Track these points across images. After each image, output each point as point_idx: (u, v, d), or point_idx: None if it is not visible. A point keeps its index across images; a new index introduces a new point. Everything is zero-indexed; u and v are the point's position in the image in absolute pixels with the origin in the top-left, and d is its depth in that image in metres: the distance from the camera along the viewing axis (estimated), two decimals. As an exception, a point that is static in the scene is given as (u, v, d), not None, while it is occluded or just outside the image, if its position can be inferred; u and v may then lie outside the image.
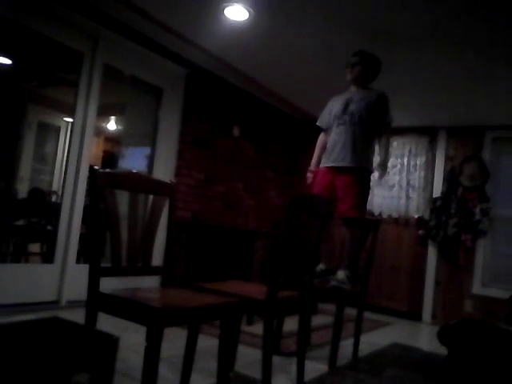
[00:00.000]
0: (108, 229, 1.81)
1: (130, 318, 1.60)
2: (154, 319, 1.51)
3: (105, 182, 1.80)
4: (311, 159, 3.33)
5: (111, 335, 1.47)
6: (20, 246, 4.78)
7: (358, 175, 3.00)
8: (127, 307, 1.63)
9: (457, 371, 1.57)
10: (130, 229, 1.90)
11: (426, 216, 5.25)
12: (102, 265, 1.79)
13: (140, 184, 1.97)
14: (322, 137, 3.30)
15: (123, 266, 1.86)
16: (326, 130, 3.24)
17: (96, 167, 1.79)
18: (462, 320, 1.61)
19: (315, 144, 3.33)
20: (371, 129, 3.04)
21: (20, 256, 4.79)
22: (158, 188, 2.05)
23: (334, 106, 3.15)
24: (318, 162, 3.23)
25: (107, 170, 1.84)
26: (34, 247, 4.81)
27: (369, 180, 3.09)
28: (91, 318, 1.71)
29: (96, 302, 1.72)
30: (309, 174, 3.26)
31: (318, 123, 3.29)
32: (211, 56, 4.10)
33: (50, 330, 1.53)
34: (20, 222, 4.82)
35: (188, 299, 1.81)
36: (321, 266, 3.05)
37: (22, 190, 5.34)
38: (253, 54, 3.95)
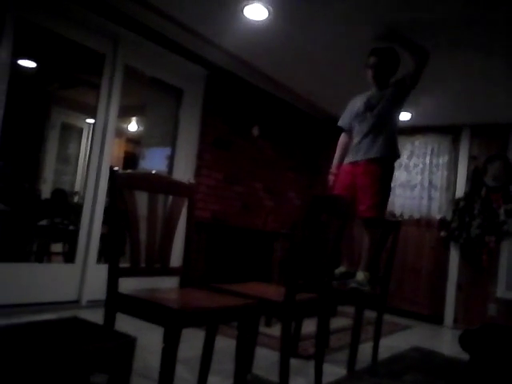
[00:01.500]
0: (127, 229, 1.82)
1: (147, 318, 1.61)
2: (171, 320, 1.51)
3: (124, 182, 1.81)
4: (331, 159, 3.29)
5: (129, 336, 1.47)
6: (43, 245, 4.87)
7: (382, 167, 2.96)
8: (145, 308, 1.64)
9: (479, 377, 1.53)
10: (148, 229, 1.91)
11: (449, 217, 5.15)
12: (122, 265, 1.81)
13: (159, 184, 1.98)
14: (342, 137, 3.25)
15: (141, 267, 1.87)
16: (348, 131, 3.21)
17: (116, 168, 1.80)
18: (484, 325, 1.57)
19: (335, 143, 3.30)
20: (392, 117, 3.01)
21: (43, 255, 4.89)
22: (176, 188, 2.06)
23: (355, 105, 3.12)
24: (340, 163, 3.19)
25: (126, 171, 1.85)
26: (57, 247, 4.90)
27: (391, 171, 3.03)
28: (110, 319, 1.72)
29: (114, 302, 1.73)
30: (330, 177, 3.21)
31: (339, 124, 3.25)
32: (231, 56, 4.10)
33: (69, 330, 1.54)
34: (43, 222, 4.92)
35: (206, 300, 1.81)
36: (341, 269, 3.02)
37: (46, 190, 5.44)
38: (272, 53, 3.94)
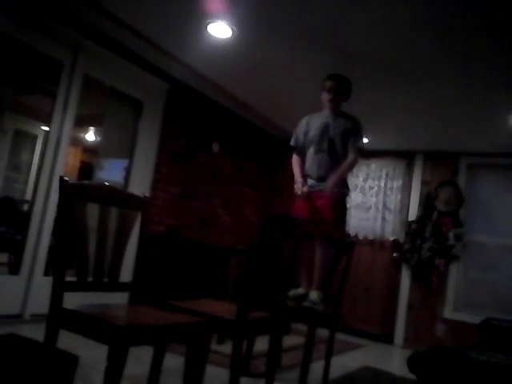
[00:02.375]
0: (75, 241, 1.76)
1: (91, 335, 1.54)
2: (115, 338, 1.46)
3: (74, 193, 1.75)
4: (289, 177, 3.32)
5: (70, 354, 1.41)
6: (-13, 255, 4.62)
7: (338, 198, 3.03)
8: (89, 324, 1.57)
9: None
10: (98, 242, 1.85)
11: (401, 239, 5.29)
12: (69, 279, 1.74)
13: (111, 197, 1.92)
14: (295, 157, 3.25)
15: (89, 281, 1.80)
16: (300, 151, 3.23)
17: (66, 178, 1.74)
18: (431, 348, 1.60)
19: (290, 163, 3.32)
20: (346, 154, 3.08)
21: (-14, 266, 4.63)
22: (129, 202, 2.01)
23: (311, 128, 3.15)
24: (301, 174, 3.17)
25: (77, 182, 1.79)
26: (3, 257, 4.66)
27: (345, 202, 3.12)
28: (51, 335, 1.64)
29: (57, 317, 1.65)
30: (297, 185, 3.12)
31: (291, 143, 3.27)
32: (193, 71, 4.10)
33: (4, 348, 1.45)
34: (-12, 231, 4.68)
35: (154, 318, 1.76)
36: (300, 291, 3.01)
37: (-6, 198, 5.19)
38: (235, 71, 3.97)
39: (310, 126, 3.17)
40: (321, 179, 3.04)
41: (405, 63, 3.35)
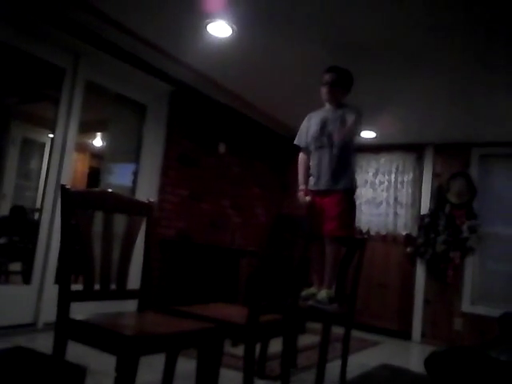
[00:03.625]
0: (80, 250, 1.73)
1: (99, 346, 1.51)
2: (124, 348, 1.42)
3: (77, 201, 1.72)
4: (297, 176, 3.26)
5: (78, 365, 1.37)
6: (0, 265, 4.64)
7: (344, 196, 2.96)
8: (97, 335, 1.54)
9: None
10: (103, 250, 1.82)
11: (414, 233, 5.21)
12: (76, 287, 1.71)
13: (115, 204, 1.89)
14: (302, 156, 3.20)
15: (96, 290, 1.77)
16: (305, 149, 3.18)
17: (67, 186, 1.71)
18: (449, 348, 1.54)
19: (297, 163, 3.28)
20: (349, 147, 3.00)
21: (0, 276, 4.66)
22: (134, 208, 1.98)
23: (311, 125, 3.09)
24: (306, 180, 3.14)
25: (79, 189, 1.76)
26: (16, 266, 4.68)
27: (354, 199, 3.05)
28: (60, 346, 1.61)
29: (65, 329, 1.62)
30: (300, 193, 3.14)
31: (295, 142, 3.20)
32: (195, 73, 4.06)
33: (11, 362, 1.43)
34: (1, 241, 4.70)
35: (163, 325, 1.73)
36: (312, 290, 2.96)
37: (5, 207, 5.22)
38: (237, 70, 3.93)
39: (310, 122, 3.11)
40: (321, 178, 2.98)
41: (411, 52, 3.27)
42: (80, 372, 1.35)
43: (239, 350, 3.13)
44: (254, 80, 4.12)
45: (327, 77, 3.01)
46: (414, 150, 5.37)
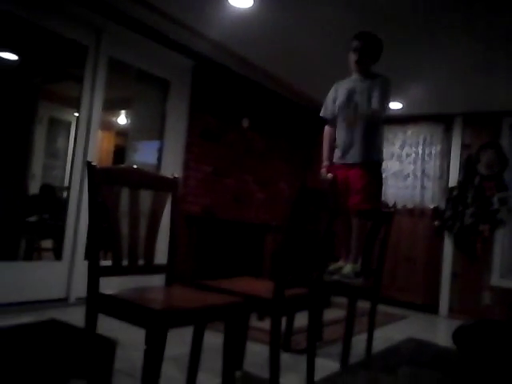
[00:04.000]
0: (107, 226, 1.75)
1: (129, 320, 1.54)
2: (153, 322, 1.45)
3: (103, 178, 1.73)
4: (321, 150, 3.21)
5: (109, 339, 1.41)
6: (32, 242, 4.78)
7: (370, 169, 2.90)
8: (126, 309, 1.57)
9: (471, 374, 1.48)
10: (131, 226, 1.84)
11: (442, 206, 5.12)
12: (105, 263, 1.75)
13: (140, 180, 1.90)
14: (327, 129, 3.12)
15: (124, 265, 1.80)
16: (331, 121, 3.10)
17: (93, 163, 1.72)
18: (477, 321, 1.52)
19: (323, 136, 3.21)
20: (377, 119, 2.92)
21: (32, 252, 4.80)
22: (159, 183, 1.99)
23: (339, 94, 3.00)
24: (330, 156, 3.08)
25: (104, 166, 1.78)
26: (48, 243, 4.82)
27: (380, 172, 2.99)
28: (91, 320, 1.65)
29: (96, 303, 1.66)
30: (323, 170, 3.10)
31: (321, 114, 3.11)
32: (217, 46, 4.01)
33: (46, 334, 1.47)
34: (32, 219, 4.83)
35: (191, 300, 1.75)
36: (339, 264, 2.95)
37: (34, 186, 5.34)
38: (259, 41, 3.85)
39: (338, 93, 3.02)
40: (348, 150, 2.91)
41: (439, 20, 3.14)
42: (111, 344, 1.39)
43: (265, 324, 3.16)
44: (278, 51, 4.04)
45: (356, 43, 2.88)
46: (442, 120, 5.22)
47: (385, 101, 2.87)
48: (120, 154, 6.26)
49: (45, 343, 1.42)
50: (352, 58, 2.91)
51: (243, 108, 4.83)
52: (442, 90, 4.54)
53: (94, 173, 1.71)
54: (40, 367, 1.19)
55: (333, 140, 3.08)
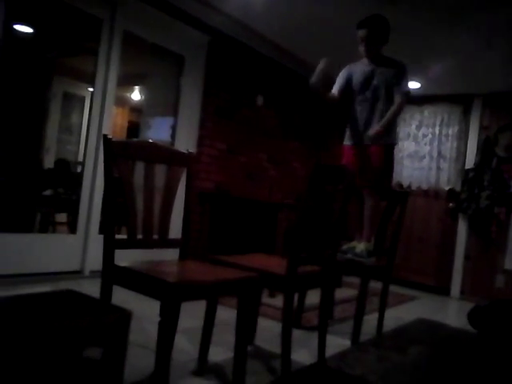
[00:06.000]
0: (122, 200, 1.76)
1: (144, 292, 1.56)
2: (167, 294, 1.46)
3: (118, 151, 1.73)
4: (337, 129, 3.20)
5: (124, 309, 1.42)
6: (47, 215, 4.85)
7: (384, 150, 2.91)
8: (141, 281, 1.59)
9: (487, 354, 1.48)
10: (145, 200, 1.84)
11: (458, 188, 5.06)
12: (120, 236, 1.76)
13: (155, 154, 1.90)
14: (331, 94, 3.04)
15: (139, 239, 1.81)
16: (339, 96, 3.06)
17: (109, 136, 1.72)
18: (493, 301, 1.50)
19: (343, 115, 3.19)
20: (392, 102, 2.90)
21: (47, 226, 4.87)
22: (174, 158, 1.98)
23: (353, 76, 2.99)
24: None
25: (121, 140, 1.77)
26: (62, 217, 4.88)
27: (392, 154, 3.02)
28: (106, 291, 1.68)
29: (111, 274, 1.68)
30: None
31: (333, 91, 3.10)
32: (232, 20, 3.95)
33: (62, 303, 1.50)
34: (47, 193, 4.89)
35: (205, 273, 1.76)
36: (353, 244, 2.95)
37: (49, 160, 5.39)
38: (274, 16, 3.78)
39: (352, 74, 3.00)
40: (364, 132, 2.91)
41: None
42: (126, 315, 1.41)
43: (276, 301, 3.19)
44: (294, 26, 3.96)
45: (360, 33, 2.88)
46: (460, 101, 5.12)
47: (407, 86, 2.92)
48: (134, 130, 6.26)
49: (63, 311, 1.45)
50: (361, 47, 2.89)
51: (257, 85, 4.77)
52: (463, 69, 4.43)
53: (109, 146, 1.70)
54: (58, 333, 1.21)
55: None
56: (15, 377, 1.20)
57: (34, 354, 1.18)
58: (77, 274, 3.45)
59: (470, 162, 5.03)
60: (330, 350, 2.37)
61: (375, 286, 3.08)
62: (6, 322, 1.28)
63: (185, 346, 2.24)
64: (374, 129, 2.82)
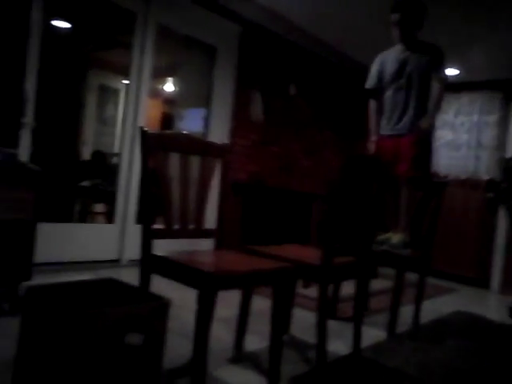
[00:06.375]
0: (159, 191, 1.79)
1: (181, 281, 1.59)
2: (204, 284, 1.48)
3: (154, 143, 1.76)
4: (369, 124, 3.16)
5: (163, 298, 1.46)
6: (85, 206, 4.99)
7: (420, 138, 2.84)
8: (179, 270, 1.61)
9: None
10: (181, 191, 1.87)
11: (498, 178, 4.89)
12: (157, 226, 1.79)
13: (190, 145, 1.92)
14: (373, 103, 3.08)
15: (175, 229, 1.84)
16: (375, 93, 3.02)
17: (146, 129, 1.75)
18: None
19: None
20: (429, 89, 2.83)
21: (86, 216, 5.02)
22: (208, 149, 2.00)
23: (386, 65, 2.93)
24: (377, 130, 3.05)
25: (157, 132, 1.80)
26: (100, 207, 5.01)
27: (430, 143, 2.95)
28: (145, 280, 1.71)
29: (149, 264, 1.72)
30: (370, 145, 3.08)
31: (366, 86, 3.06)
32: (264, 10, 3.92)
33: (104, 291, 1.54)
34: (85, 184, 5.02)
35: (241, 263, 1.77)
36: (389, 235, 2.92)
37: (86, 152, 5.53)
38: (308, 4, 3.72)
39: (384, 64, 2.95)
40: (399, 120, 2.85)
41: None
42: (165, 303, 1.44)
43: (310, 292, 3.18)
44: (328, 15, 3.89)
45: (393, 17, 2.81)
46: (500, 87, 4.94)
47: (444, 72, 2.86)
48: (167, 121, 6.34)
49: (106, 298, 1.49)
50: (394, 32, 2.82)
51: (290, 74, 4.74)
52: (503, 55, 4.26)
53: (146, 138, 1.73)
54: (99, 321, 1.25)
55: (379, 114, 3.02)
56: (62, 361, 1.25)
57: (80, 339, 1.23)
58: (115, 262, 3.54)
59: (510, 150, 4.86)
60: (366, 341, 2.35)
61: (412, 277, 3.03)
62: (53, 308, 1.33)
63: (221, 335, 2.27)
64: (426, 121, 2.77)
